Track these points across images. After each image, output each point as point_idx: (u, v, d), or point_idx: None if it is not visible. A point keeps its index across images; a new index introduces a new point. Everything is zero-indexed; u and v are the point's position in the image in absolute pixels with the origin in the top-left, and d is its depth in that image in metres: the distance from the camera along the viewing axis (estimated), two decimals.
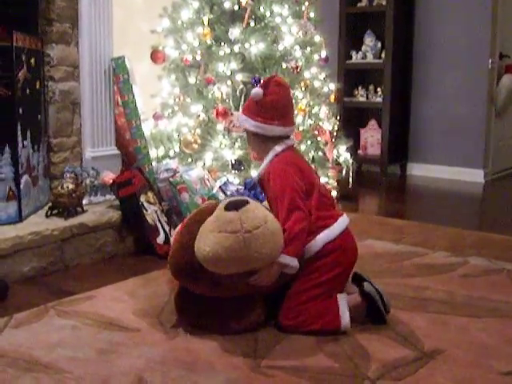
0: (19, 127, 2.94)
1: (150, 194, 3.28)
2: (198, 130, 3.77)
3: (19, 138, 2.94)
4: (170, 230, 3.23)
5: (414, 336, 2.19)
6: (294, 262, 2.16)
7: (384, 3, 5.67)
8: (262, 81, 2.44)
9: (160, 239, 3.15)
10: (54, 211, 3.10)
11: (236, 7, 3.84)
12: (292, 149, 2.43)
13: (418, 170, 5.86)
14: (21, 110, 2.96)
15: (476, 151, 5.55)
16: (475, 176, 5.54)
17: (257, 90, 2.33)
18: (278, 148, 2.35)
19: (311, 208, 2.26)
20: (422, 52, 5.79)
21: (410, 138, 5.94)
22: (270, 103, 2.31)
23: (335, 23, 5.86)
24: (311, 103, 4.12)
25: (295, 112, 3.85)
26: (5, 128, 2.88)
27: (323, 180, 4.00)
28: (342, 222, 2.33)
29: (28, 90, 3.06)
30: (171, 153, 3.89)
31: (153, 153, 3.82)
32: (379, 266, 2.98)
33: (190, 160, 3.77)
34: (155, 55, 3.89)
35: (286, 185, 2.25)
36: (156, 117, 3.99)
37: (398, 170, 5.95)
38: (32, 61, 3.10)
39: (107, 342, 2.13)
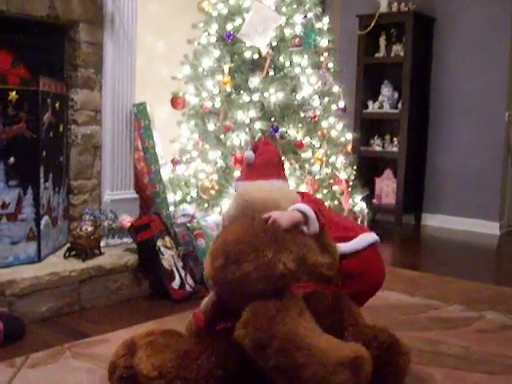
0: (42, 169, 3.00)
1: (167, 238, 3.31)
2: (215, 176, 3.81)
3: (41, 180, 3.00)
4: (185, 275, 3.25)
5: None
6: (310, 213, 2.01)
7: (402, 54, 5.76)
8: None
9: (175, 284, 3.17)
10: (72, 252, 3.14)
11: (256, 56, 3.90)
12: None
13: (433, 221, 5.86)
14: (44, 153, 3.03)
15: (492, 203, 5.54)
16: (490, 228, 5.53)
17: (249, 153, 2.32)
18: None
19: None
20: (439, 103, 5.85)
21: (425, 188, 5.96)
22: (265, 161, 2.30)
23: (353, 73, 5.92)
24: (328, 152, 4.14)
25: (312, 161, 3.89)
26: (28, 170, 2.94)
27: None
28: (366, 237, 2.22)
29: (52, 133, 3.13)
30: (188, 198, 3.92)
31: (170, 197, 3.86)
32: (394, 318, 2.97)
33: (206, 206, 3.79)
34: (175, 101, 3.95)
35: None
36: (174, 162, 4.04)
37: (413, 220, 5.95)
38: (57, 105, 3.18)
39: None
